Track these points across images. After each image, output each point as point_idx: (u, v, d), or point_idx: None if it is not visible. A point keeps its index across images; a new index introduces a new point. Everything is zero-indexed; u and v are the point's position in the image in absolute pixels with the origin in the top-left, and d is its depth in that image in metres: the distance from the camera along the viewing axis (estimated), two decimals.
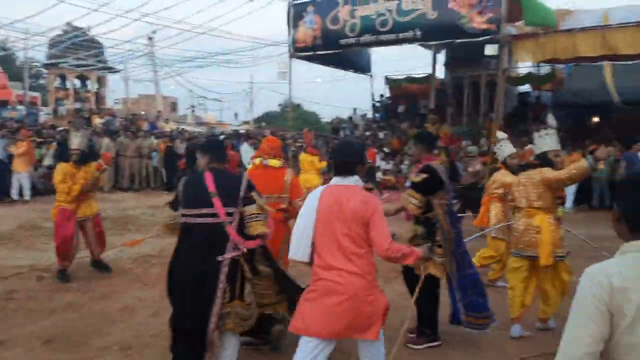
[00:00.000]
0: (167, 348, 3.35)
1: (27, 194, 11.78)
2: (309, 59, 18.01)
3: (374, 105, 22.61)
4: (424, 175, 3.89)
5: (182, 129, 21.75)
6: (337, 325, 2.78)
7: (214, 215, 3.17)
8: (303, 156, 10.60)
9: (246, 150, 14.35)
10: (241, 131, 23.41)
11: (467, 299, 4.03)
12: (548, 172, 4.31)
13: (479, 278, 4.20)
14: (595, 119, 16.50)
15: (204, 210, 3.18)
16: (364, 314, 2.79)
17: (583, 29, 13.03)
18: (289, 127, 20.72)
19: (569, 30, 13.36)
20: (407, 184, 4.09)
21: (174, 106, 44.91)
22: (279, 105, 50.34)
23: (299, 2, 17.15)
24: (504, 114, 17.43)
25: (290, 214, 4.45)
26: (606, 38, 12.12)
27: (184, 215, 3.25)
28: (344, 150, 3.08)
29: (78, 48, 25.94)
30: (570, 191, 11.27)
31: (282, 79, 17.49)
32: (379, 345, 3.00)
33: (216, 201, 3.17)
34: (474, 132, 17.65)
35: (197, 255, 3.18)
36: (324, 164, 10.61)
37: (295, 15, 17.06)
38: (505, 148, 5.95)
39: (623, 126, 14.31)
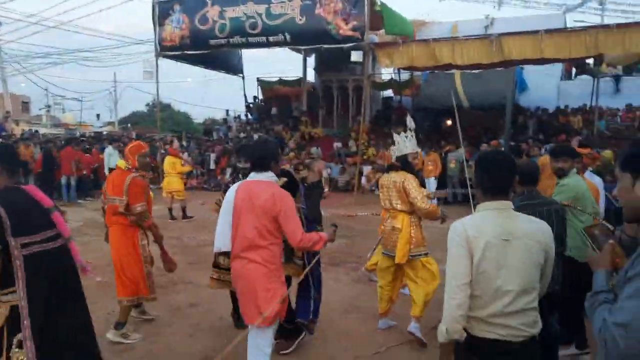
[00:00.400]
0: None
1: None
2: (177, 58, 17.39)
3: (247, 107, 22.53)
4: (285, 179, 3.86)
5: (35, 130, 19.71)
6: (244, 307, 3.14)
7: (58, 236, 2.62)
8: (166, 159, 10.28)
9: (110, 154, 13.43)
10: (104, 133, 21.90)
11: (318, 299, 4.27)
12: (410, 186, 4.31)
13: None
14: (449, 122, 18.14)
15: (49, 233, 2.58)
16: (262, 299, 3.01)
17: (436, 40, 14.23)
18: (157, 128, 19.79)
19: (424, 40, 14.53)
20: None
21: (26, 106, 40.57)
22: (147, 105, 47.99)
23: (164, 0, 16.49)
24: (371, 117, 18.49)
25: (139, 218, 4.41)
26: (455, 48, 13.37)
27: (24, 245, 2.45)
28: (260, 148, 3.28)
29: None
30: (431, 188, 12.26)
31: (149, 78, 16.67)
32: (268, 333, 3.14)
33: (57, 217, 2.63)
34: (344, 134, 18.45)
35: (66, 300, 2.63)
36: (187, 168, 10.34)
37: (161, 13, 16.37)
38: (410, 143, 6.09)
39: (471, 128, 15.94)
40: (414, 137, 4.59)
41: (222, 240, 3.27)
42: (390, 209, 4.51)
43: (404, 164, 4.53)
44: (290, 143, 15.13)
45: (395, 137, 4.63)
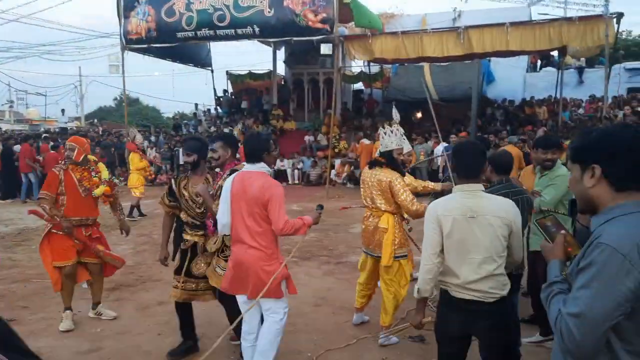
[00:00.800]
0: None
1: None
2: (143, 51, 17.01)
3: (216, 101, 22.24)
4: None
5: None
6: (247, 287, 3.35)
7: None
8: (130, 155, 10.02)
9: None
10: (71, 128, 21.33)
11: None
12: (397, 188, 4.09)
13: None
14: (419, 115, 18.31)
15: None
16: (261, 280, 3.27)
17: (405, 32, 14.30)
18: (125, 123, 19.37)
19: (393, 33, 14.58)
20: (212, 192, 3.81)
21: None
22: (115, 100, 46.97)
23: None
24: (341, 110, 18.50)
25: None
26: (423, 41, 13.47)
27: None
28: (252, 141, 3.49)
29: None
30: None
31: (114, 72, 16.28)
32: (281, 303, 3.45)
33: None
34: (316, 127, 18.43)
35: None
36: (143, 163, 9.91)
37: (127, 6, 15.96)
38: (394, 138, 5.82)
39: (440, 120, 16.11)
40: (400, 131, 4.30)
41: (223, 227, 3.47)
42: (373, 207, 4.27)
43: (389, 160, 4.23)
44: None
45: (380, 131, 4.38)
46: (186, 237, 3.96)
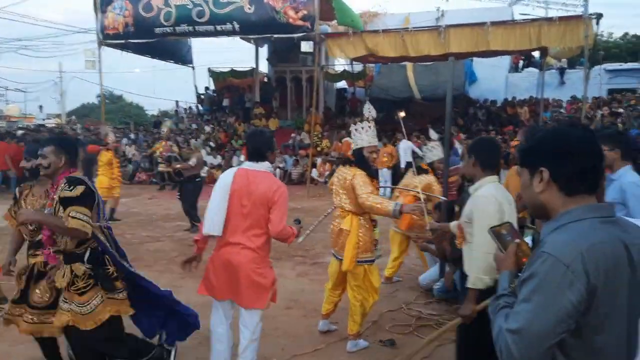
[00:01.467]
0: None
1: None
2: (121, 47, 16.69)
3: (197, 98, 21.97)
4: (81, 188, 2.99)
5: None
6: (234, 291, 3.20)
7: None
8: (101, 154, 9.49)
9: None
10: (48, 126, 20.91)
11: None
12: (357, 184, 3.87)
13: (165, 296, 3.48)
14: (402, 114, 18.23)
15: None
16: (253, 283, 3.16)
17: (386, 31, 14.22)
18: (102, 120, 19.01)
19: (375, 31, 14.49)
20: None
21: None
22: (98, 97, 46.26)
23: None
24: (324, 108, 18.39)
25: None
26: (405, 40, 13.39)
27: None
28: (256, 138, 3.35)
29: None
30: (385, 178, 12.26)
31: (91, 67, 15.95)
32: (260, 314, 3.28)
33: None
34: (299, 125, 18.28)
35: None
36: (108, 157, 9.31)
37: (103, 0, 15.65)
38: (435, 151, 5.84)
39: (423, 119, 16.10)
40: (372, 128, 4.08)
41: (213, 225, 3.21)
42: (339, 207, 4.07)
43: (358, 158, 4.01)
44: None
45: (352, 128, 4.16)
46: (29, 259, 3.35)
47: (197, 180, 8.70)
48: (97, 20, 15.81)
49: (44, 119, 30.43)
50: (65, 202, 2.89)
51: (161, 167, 10.20)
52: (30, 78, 60.89)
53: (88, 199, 2.95)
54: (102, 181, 9.11)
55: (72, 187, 2.92)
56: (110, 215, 9.18)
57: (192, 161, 8.40)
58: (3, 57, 43.19)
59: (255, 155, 3.26)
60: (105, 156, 9.19)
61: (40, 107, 36.13)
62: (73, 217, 2.83)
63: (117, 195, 9.66)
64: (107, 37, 15.81)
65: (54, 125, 24.88)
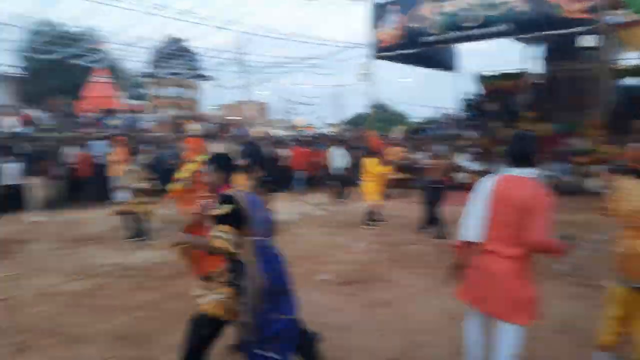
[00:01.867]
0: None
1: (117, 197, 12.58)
2: (391, 58, 17.69)
3: (463, 103, 21.72)
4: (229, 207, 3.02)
5: (267, 132, 22.34)
6: (491, 302, 3.06)
7: None
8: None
9: (335, 152, 14.22)
10: (327, 134, 23.62)
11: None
12: None
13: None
14: None
15: None
16: (512, 294, 2.99)
17: None
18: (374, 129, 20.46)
19: None
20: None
21: (266, 111, 46.67)
22: (371, 107, 50.12)
23: (381, 1, 16.93)
24: (608, 109, 15.99)
25: None
26: None
27: None
28: (519, 142, 3.19)
29: (174, 58, 27.69)
30: None
31: (363, 80, 17.33)
32: (522, 331, 3.05)
33: None
34: (574, 129, 16.32)
35: None
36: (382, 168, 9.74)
37: (377, 15, 16.84)
38: None
39: None
40: None
41: (472, 232, 3.19)
42: (634, 227, 3.41)
43: None
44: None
45: None
46: None
47: (437, 186, 8.89)
48: (371, 36, 17.08)
49: (320, 128, 34.58)
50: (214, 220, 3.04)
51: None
52: (314, 92, 69.99)
53: (231, 218, 2.98)
54: (370, 186, 9.77)
55: (220, 204, 3.03)
56: (371, 217, 9.84)
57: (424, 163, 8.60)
58: (292, 75, 50.66)
59: (518, 160, 3.09)
60: (372, 162, 9.80)
61: (320, 118, 41.33)
62: (217, 237, 2.96)
63: (379, 199, 10.10)
64: (381, 50, 16.94)
65: (330, 132, 28.10)
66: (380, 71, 24.11)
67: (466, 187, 4.83)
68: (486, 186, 3.17)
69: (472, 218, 3.19)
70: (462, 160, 15.38)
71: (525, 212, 2.94)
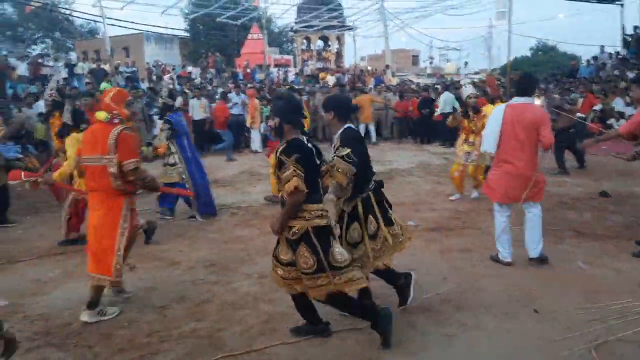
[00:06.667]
0: None
1: (255, 146, 13.69)
2: None
3: (624, 41, 18.77)
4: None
5: (405, 81, 21.88)
6: (513, 193, 4.60)
7: None
8: None
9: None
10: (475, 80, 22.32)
11: None
12: None
13: None
14: None
15: None
16: (530, 185, 4.49)
17: None
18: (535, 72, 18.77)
19: None
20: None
21: (415, 59, 45.27)
22: (530, 49, 45.83)
23: None
24: None
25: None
26: None
27: None
28: (525, 78, 4.93)
29: (320, 11, 28.16)
30: None
31: (501, 18, 15.94)
32: (539, 208, 4.74)
33: None
34: None
35: None
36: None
37: None
38: None
39: None
40: None
41: (490, 144, 4.69)
42: None
43: None
44: None
45: None
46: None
47: (567, 131, 9.26)
48: None
49: (466, 74, 32.53)
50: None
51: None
52: (463, 36, 65.58)
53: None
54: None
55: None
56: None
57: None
58: (432, 19, 47.95)
59: (524, 91, 4.75)
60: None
61: (466, 63, 38.83)
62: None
63: None
64: None
65: (477, 79, 26.39)
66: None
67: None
68: (499, 111, 4.70)
69: (489, 133, 4.72)
70: (619, 104, 13.51)
71: (532, 128, 4.48)
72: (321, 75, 22.68)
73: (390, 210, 3.74)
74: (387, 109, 15.51)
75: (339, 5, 30.74)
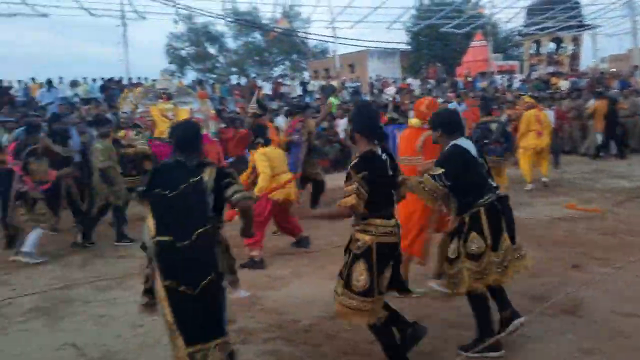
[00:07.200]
0: None
1: None
2: None
3: None
4: None
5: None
6: None
7: None
8: None
9: None
10: None
11: None
12: None
13: None
14: None
15: None
16: None
17: None
18: None
19: None
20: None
21: None
22: None
23: None
24: None
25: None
26: None
27: None
28: None
29: (554, 11, 25.75)
30: None
31: None
32: None
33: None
34: None
35: None
36: None
37: None
38: None
39: None
40: None
41: None
42: None
43: None
44: None
45: None
46: None
47: None
48: None
49: None
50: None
51: None
52: None
53: None
54: None
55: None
56: None
57: None
58: None
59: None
60: None
61: None
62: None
63: None
64: None
65: None
66: None
67: None
68: None
69: None
70: None
71: None
72: (552, 80, 20.66)
73: (505, 233, 3.34)
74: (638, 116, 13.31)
75: (576, 3, 27.62)
